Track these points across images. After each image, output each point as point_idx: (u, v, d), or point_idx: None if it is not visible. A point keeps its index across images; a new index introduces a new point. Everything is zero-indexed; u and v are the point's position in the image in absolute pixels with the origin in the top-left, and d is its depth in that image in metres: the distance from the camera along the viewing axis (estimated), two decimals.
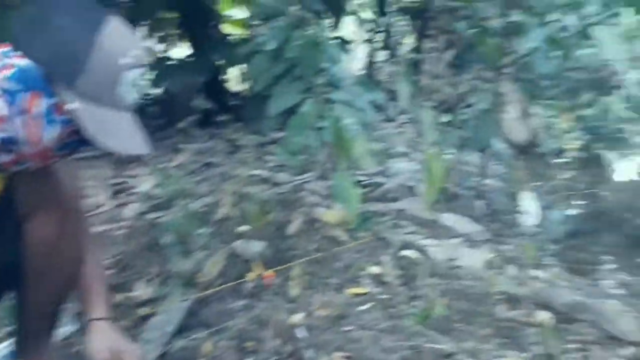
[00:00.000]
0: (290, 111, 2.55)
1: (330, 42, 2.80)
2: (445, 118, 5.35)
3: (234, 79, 6.12)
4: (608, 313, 2.05)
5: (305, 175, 3.92)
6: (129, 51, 1.11)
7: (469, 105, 5.38)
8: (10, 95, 1.09)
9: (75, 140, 1.16)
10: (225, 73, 5.62)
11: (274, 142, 4.81)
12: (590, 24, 2.77)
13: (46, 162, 1.21)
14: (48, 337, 1.57)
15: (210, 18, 5.40)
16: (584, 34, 2.76)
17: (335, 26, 4.97)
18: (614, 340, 1.94)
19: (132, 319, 2.13)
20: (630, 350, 1.87)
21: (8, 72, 1.11)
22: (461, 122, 5.23)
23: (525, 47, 3.24)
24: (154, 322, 2.05)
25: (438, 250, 2.68)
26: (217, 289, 2.25)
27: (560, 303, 2.17)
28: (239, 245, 2.66)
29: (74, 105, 1.07)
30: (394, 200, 3.41)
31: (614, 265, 2.95)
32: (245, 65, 4.53)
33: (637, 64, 6.69)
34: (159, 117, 5.77)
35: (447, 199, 3.44)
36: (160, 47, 6.07)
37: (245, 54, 2.92)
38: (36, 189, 1.32)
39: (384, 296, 2.24)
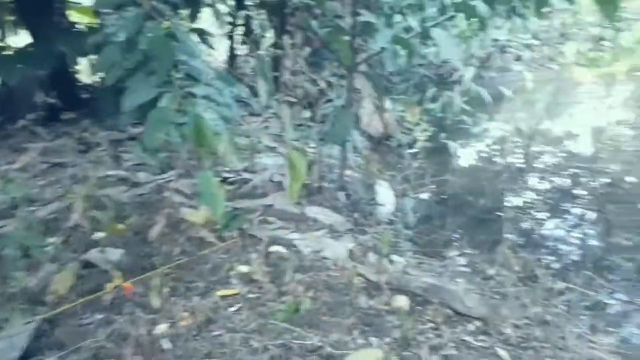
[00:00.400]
0: (149, 106, 2.41)
1: (188, 34, 2.69)
2: (306, 113, 5.49)
3: (84, 71, 5.65)
4: (456, 292, 2.27)
5: (167, 174, 3.76)
6: None
7: (328, 101, 5.57)
8: None
9: None
10: (73, 64, 5.14)
11: (131, 138, 4.54)
12: (431, 26, 3.00)
13: None
14: None
15: (52, 4, 4.90)
16: (425, 35, 2.98)
17: (192, 18, 4.80)
18: (461, 317, 2.15)
19: None
20: (475, 325, 2.09)
21: None
22: (322, 117, 5.40)
23: (375, 46, 3.43)
24: None
25: (305, 243, 2.75)
26: (70, 305, 2.07)
27: (416, 286, 2.35)
28: (93, 254, 2.48)
29: None
30: (262, 196, 3.41)
31: (460, 246, 3.26)
32: (95, 57, 4.18)
33: (471, 62, 7.48)
34: None
35: (312, 192, 3.54)
36: None
37: (95, 44, 2.69)
38: None
39: (254, 295, 2.23)
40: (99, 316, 2.03)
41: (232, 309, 2.12)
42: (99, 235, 2.62)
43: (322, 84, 5.87)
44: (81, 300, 2.09)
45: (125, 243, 2.60)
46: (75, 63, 5.11)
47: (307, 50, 4.80)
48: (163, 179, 3.61)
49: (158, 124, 2.33)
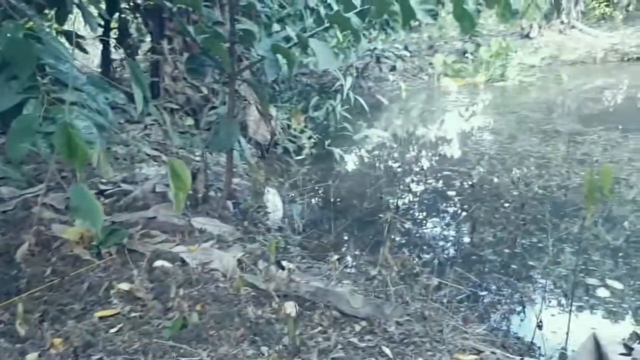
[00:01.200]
0: (11, 114, 2.19)
1: (54, 36, 2.49)
2: (190, 120, 5.35)
3: None
4: (342, 294, 2.34)
5: (35, 188, 3.44)
6: None
7: (213, 108, 5.48)
8: None
9: None
10: None
11: None
12: (308, 36, 3.08)
13: None
14: None
15: None
16: (303, 45, 3.06)
17: (60, 20, 4.46)
18: (348, 318, 2.22)
19: None
20: (361, 325, 2.17)
21: None
22: (207, 124, 5.30)
23: (256, 54, 3.43)
24: None
25: (191, 256, 2.67)
26: None
27: (304, 291, 2.39)
28: None
29: None
30: (144, 208, 3.25)
31: (346, 248, 3.38)
32: None
33: (350, 72, 7.81)
34: None
35: (197, 202, 3.45)
36: None
37: None
38: None
39: (136, 314, 2.12)
40: None
41: (113, 330, 1.99)
42: None
43: (205, 91, 5.77)
44: None
45: None
46: None
47: (186, 56, 4.68)
48: (30, 193, 3.30)
49: (22, 134, 2.12)
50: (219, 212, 3.48)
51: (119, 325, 2.01)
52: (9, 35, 2.18)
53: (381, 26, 6.88)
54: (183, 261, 2.60)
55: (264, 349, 1.95)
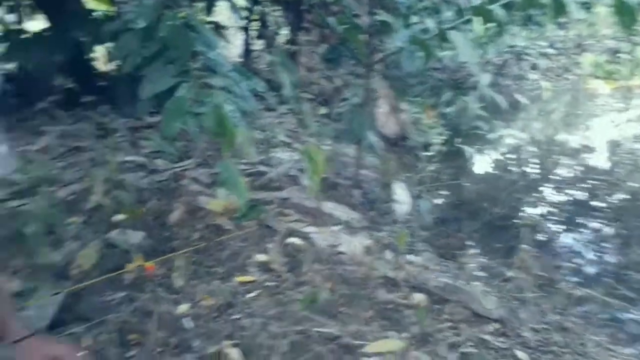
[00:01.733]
0: (166, 95, 2.41)
1: (205, 26, 2.69)
2: (322, 110, 5.50)
3: (101, 58, 5.67)
4: (474, 293, 2.26)
5: (184, 163, 3.78)
6: None
7: (344, 99, 5.58)
8: None
9: None
10: (90, 51, 5.16)
11: (149, 126, 4.55)
12: (448, 28, 2.99)
13: None
14: None
15: None
16: (442, 37, 2.97)
17: (208, 11, 4.81)
18: (480, 317, 2.14)
19: None
20: (493, 327, 2.08)
21: None
22: (337, 115, 5.41)
23: (392, 46, 3.41)
24: (24, 318, 1.84)
25: (321, 237, 2.75)
26: (94, 280, 2.08)
27: (433, 285, 2.35)
28: (114, 235, 2.49)
29: None
30: (278, 189, 3.42)
31: (476, 250, 3.25)
32: (112, 44, 4.20)
33: (487, 68, 7.45)
34: (14, 95, 5.15)
35: (328, 188, 3.54)
36: (11, 17, 5.42)
37: (112, 31, 2.69)
38: None
39: (271, 283, 2.24)
40: (122, 293, 2.04)
41: (251, 295, 2.13)
42: (119, 217, 2.64)
43: (338, 82, 5.89)
44: (104, 277, 2.10)
45: (145, 226, 2.61)
46: (92, 50, 5.12)
47: (324, 47, 4.80)
48: (180, 167, 3.63)
49: (175, 113, 2.33)
50: (346, 199, 3.54)
51: (256, 292, 2.14)
52: (169, 23, 2.39)
53: (524, 21, 6.47)
54: (313, 241, 2.69)
55: (392, 333, 1.95)
